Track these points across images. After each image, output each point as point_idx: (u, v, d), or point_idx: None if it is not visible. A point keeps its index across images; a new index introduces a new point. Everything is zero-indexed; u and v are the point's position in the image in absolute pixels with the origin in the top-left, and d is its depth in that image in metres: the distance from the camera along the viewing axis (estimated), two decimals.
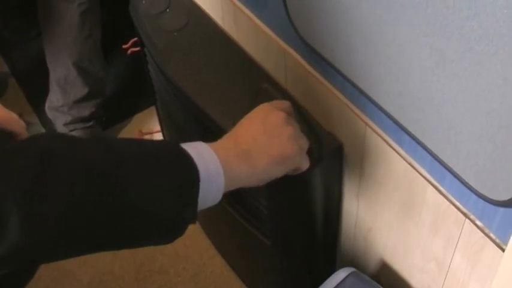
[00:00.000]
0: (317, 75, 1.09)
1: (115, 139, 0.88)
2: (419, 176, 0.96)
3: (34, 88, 2.26)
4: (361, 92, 0.97)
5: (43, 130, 2.23)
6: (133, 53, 1.71)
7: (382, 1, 0.81)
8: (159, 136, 2.09)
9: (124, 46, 1.74)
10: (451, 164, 0.86)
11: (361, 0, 0.85)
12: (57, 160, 0.73)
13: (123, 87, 2.34)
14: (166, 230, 0.82)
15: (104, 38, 2.06)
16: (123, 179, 0.76)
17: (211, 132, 1.24)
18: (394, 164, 1.01)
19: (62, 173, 0.72)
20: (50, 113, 2.11)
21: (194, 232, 1.92)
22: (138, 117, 2.27)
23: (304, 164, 1.00)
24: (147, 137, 2.18)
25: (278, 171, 0.95)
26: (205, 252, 1.89)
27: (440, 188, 0.93)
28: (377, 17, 0.84)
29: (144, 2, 1.42)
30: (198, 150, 0.84)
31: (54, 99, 2.06)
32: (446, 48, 0.75)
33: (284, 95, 1.20)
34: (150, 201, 0.78)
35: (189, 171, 0.82)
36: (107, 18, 2.05)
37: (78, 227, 0.73)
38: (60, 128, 2.10)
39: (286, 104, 1.03)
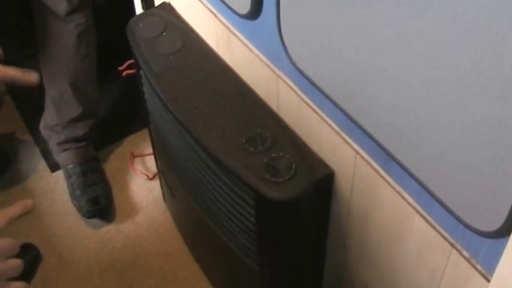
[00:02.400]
0: (309, 101, 1.10)
1: None
2: (407, 204, 0.97)
3: (29, 106, 2.27)
4: (352, 120, 0.98)
5: (36, 149, 2.24)
6: (128, 75, 1.72)
7: (374, 32, 0.82)
8: (150, 158, 2.10)
9: (119, 68, 1.75)
10: (438, 194, 0.87)
11: (354, 31, 0.86)
12: None
13: (116, 109, 2.35)
14: None
15: (99, 59, 2.07)
16: None
17: (201, 156, 1.25)
18: (383, 193, 1.01)
19: None
20: (44, 132, 2.12)
21: (182, 255, 1.92)
22: (130, 139, 2.28)
23: None
24: (138, 159, 2.19)
25: None
26: (192, 275, 1.88)
27: (428, 218, 0.94)
28: (369, 47, 0.85)
29: (141, 24, 1.43)
30: None
31: (49, 118, 2.07)
32: (436, 79, 0.76)
33: (277, 120, 1.21)
34: None
35: None
36: (103, 40, 2.06)
37: None
38: (54, 147, 2.10)
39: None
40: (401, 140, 0.89)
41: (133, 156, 2.19)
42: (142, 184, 2.14)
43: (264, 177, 1.12)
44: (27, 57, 2.10)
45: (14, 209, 0.91)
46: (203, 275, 1.87)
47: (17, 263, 0.87)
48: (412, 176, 0.90)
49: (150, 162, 2.14)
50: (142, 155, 2.20)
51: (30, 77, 1.01)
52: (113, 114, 2.33)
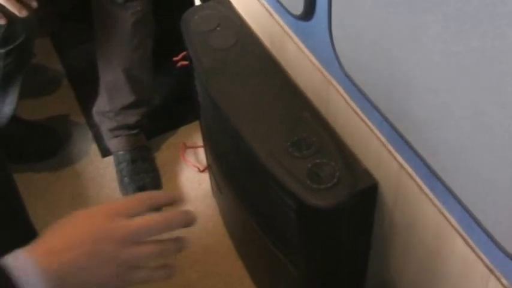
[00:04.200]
0: (357, 109, 1.07)
1: None
2: (449, 224, 0.93)
3: (85, 90, 2.28)
4: (398, 134, 0.95)
5: (89, 132, 2.26)
6: (182, 66, 1.70)
7: (423, 46, 0.79)
8: (203, 151, 2.09)
9: (174, 58, 1.75)
10: (480, 218, 0.84)
11: (403, 44, 0.84)
12: None
13: (170, 99, 2.34)
14: None
15: (155, 49, 2.07)
16: None
17: (246, 155, 1.24)
18: (425, 209, 0.98)
19: None
20: (96, 117, 2.13)
21: (226, 250, 1.91)
22: (183, 129, 2.27)
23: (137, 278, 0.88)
24: (190, 150, 2.18)
25: None
26: (235, 272, 1.87)
27: (469, 240, 0.91)
28: (418, 61, 0.82)
29: (196, 17, 1.42)
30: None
31: (102, 104, 2.08)
32: (485, 101, 0.73)
33: (324, 125, 1.18)
34: None
35: None
36: (160, 29, 2.06)
37: None
38: (105, 132, 2.11)
39: (134, 203, 0.90)
40: (446, 159, 0.86)
41: (186, 147, 2.18)
42: (192, 176, 2.13)
43: (306, 183, 1.09)
44: (87, 40, 2.11)
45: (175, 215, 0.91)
46: (246, 272, 1.85)
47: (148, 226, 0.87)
48: (454, 196, 0.87)
49: (202, 154, 2.12)
50: (195, 147, 2.18)
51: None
52: (168, 104, 2.33)
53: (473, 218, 0.85)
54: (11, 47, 1.72)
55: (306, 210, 1.11)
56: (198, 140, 2.17)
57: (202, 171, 2.11)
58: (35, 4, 1.52)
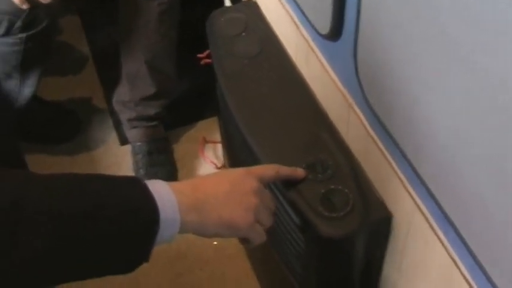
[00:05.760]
0: (376, 139, 1.03)
1: (87, 180, 0.85)
2: (459, 273, 0.89)
3: (109, 74, 2.24)
4: (415, 172, 0.91)
5: (110, 119, 2.23)
6: (206, 64, 1.67)
7: (448, 94, 0.75)
8: (221, 147, 2.05)
9: (199, 55, 1.71)
10: (491, 274, 0.79)
11: (429, 88, 0.80)
12: (29, 207, 0.75)
13: (192, 92, 2.30)
14: (118, 270, 0.84)
15: (180, 42, 2.03)
16: (90, 223, 0.78)
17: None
18: (436, 253, 0.94)
19: (33, 221, 0.74)
20: (116, 106, 2.11)
21: (237, 252, 1.88)
22: (204, 123, 2.24)
23: (257, 239, 0.98)
24: (210, 145, 2.14)
25: (224, 234, 0.94)
26: (243, 275, 1.85)
27: None
28: (442, 108, 0.78)
29: (222, 19, 1.37)
30: (161, 196, 0.84)
31: (122, 93, 2.06)
32: (504, 156, 0.69)
33: (342, 149, 1.14)
34: (109, 244, 0.80)
35: (150, 220, 0.82)
36: (187, 23, 2.02)
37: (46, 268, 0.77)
38: (124, 122, 2.09)
39: (269, 171, 1.03)
40: (461, 208, 0.82)
41: (205, 141, 2.14)
42: (209, 172, 2.08)
43: (317, 209, 1.05)
44: (115, 22, 2.07)
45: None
46: (254, 275, 1.82)
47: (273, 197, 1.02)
48: (466, 246, 0.83)
49: (221, 150, 2.09)
50: (215, 142, 2.14)
51: None
52: (190, 96, 2.30)
53: (483, 271, 0.81)
54: (33, 32, 1.69)
55: (315, 237, 1.07)
56: (218, 136, 2.13)
57: (219, 168, 2.07)
58: None
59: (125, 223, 0.81)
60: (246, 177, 0.96)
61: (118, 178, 0.86)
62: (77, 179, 0.83)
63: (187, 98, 2.29)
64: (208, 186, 0.93)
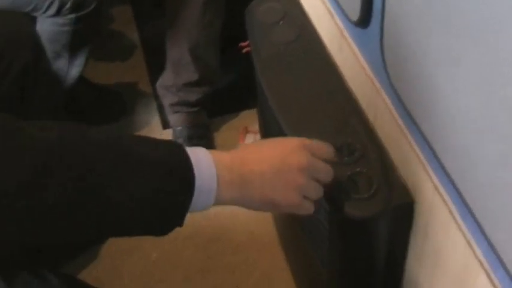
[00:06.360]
0: (402, 124, 1.04)
1: (124, 138, 0.87)
2: (475, 258, 0.90)
3: (157, 62, 2.29)
4: (435, 155, 0.93)
5: (154, 103, 2.29)
6: (247, 52, 1.70)
7: (468, 77, 0.77)
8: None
9: (241, 44, 1.74)
10: (504, 258, 0.81)
11: (448, 74, 0.82)
12: (65, 154, 0.76)
13: (237, 81, 2.34)
14: (152, 230, 0.86)
15: (225, 31, 2.07)
16: (120, 179, 0.79)
17: None
18: (453, 237, 0.95)
19: (67, 168, 0.76)
20: (159, 90, 2.16)
21: (270, 240, 1.90)
22: (246, 113, 2.27)
23: (302, 212, 0.97)
24: (250, 135, 2.17)
25: (266, 210, 0.95)
26: (275, 262, 1.86)
27: (493, 277, 0.87)
28: (461, 91, 0.80)
29: (261, 8, 1.41)
30: (199, 162, 0.85)
31: (166, 78, 2.10)
32: None
33: (369, 134, 1.16)
34: (143, 205, 0.81)
35: (185, 185, 0.83)
36: (231, 12, 2.06)
37: (72, 219, 0.78)
38: (166, 107, 2.13)
39: (324, 149, 1.02)
40: (479, 194, 0.84)
41: (247, 131, 2.17)
42: None
43: (342, 190, 1.07)
44: (155, 16, 2.13)
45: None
46: (286, 265, 1.84)
47: (329, 169, 0.99)
48: (482, 231, 0.85)
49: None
50: (255, 132, 2.16)
51: None
52: (234, 86, 2.33)
53: (498, 257, 0.83)
54: (82, 13, 1.76)
55: (338, 217, 1.10)
56: None
57: None
58: None
59: (160, 182, 0.81)
60: (298, 153, 0.94)
61: (159, 140, 0.88)
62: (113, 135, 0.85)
63: (232, 87, 2.33)
64: (257, 161, 0.92)
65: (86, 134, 0.81)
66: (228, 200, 0.88)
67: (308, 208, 0.97)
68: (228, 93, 2.31)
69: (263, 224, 1.93)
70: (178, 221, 0.85)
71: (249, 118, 2.23)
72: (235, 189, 0.88)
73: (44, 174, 0.74)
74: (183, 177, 0.83)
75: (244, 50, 1.73)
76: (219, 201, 0.87)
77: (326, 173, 0.98)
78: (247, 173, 0.89)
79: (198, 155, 0.86)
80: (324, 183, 0.98)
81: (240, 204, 0.91)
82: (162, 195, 0.82)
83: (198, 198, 0.84)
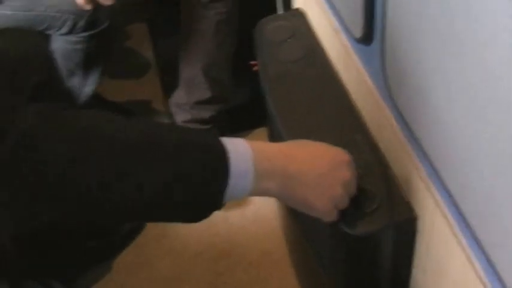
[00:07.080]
0: (404, 141, 1.05)
1: (156, 124, 0.90)
2: (474, 274, 0.91)
3: (171, 80, 2.32)
4: (436, 172, 0.94)
5: (167, 121, 2.29)
6: (257, 71, 1.72)
7: (468, 95, 0.78)
8: None
9: (251, 62, 1.76)
10: (502, 275, 0.82)
11: (449, 95, 0.83)
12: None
13: (248, 99, 2.35)
14: (187, 215, 0.86)
15: (238, 49, 2.09)
16: (157, 166, 0.81)
17: None
18: (454, 252, 0.96)
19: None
20: (172, 108, 2.18)
21: (281, 257, 1.91)
22: (258, 131, 2.28)
23: (327, 219, 1.00)
24: None
25: (299, 208, 0.95)
26: (285, 280, 1.87)
27: None
28: (461, 109, 0.82)
29: (269, 27, 1.43)
30: (235, 146, 0.86)
31: (179, 96, 2.12)
32: None
33: (374, 150, 1.17)
34: (179, 186, 0.82)
35: (220, 178, 0.83)
36: (244, 30, 2.07)
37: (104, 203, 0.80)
38: (179, 124, 2.15)
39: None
40: (477, 209, 0.85)
41: None
42: None
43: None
44: (170, 34, 2.15)
45: None
46: (297, 281, 1.84)
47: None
48: (481, 249, 0.86)
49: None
50: None
51: None
52: (246, 104, 2.34)
53: (496, 273, 0.83)
54: (95, 31, 1.79)
55: (338, 234, 1.10)
56: None
57: None
58: None
59: (197, 164, 0.82)
60: (347, 167, 0.97)
61: (195, 134, 0.89)
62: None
63: (245, 104, 2.34)
64: (305, 161, 0.93)
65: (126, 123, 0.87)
66: (264, 189, 0.89)
67: (335, 216, 1.00)
68: (240, 111, 2.32)
69: (274, 240, 1.94)
70: (216, 205, 0.85)
71: (261, 136, 2.22)
72: (275, 180, 0.89)
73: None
74: (217, 156, 0.83)
75: (255, 69, 1.74)
76: (256, 190, 0.87)
77: (355, 188, 1.02)
78: (293, 169, 0.91)
79: (234, 141, 0.88)
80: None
81: (276, 197, 0.93)
82: (196, 177, 0.83)
83: (235, 181, 0.84)
